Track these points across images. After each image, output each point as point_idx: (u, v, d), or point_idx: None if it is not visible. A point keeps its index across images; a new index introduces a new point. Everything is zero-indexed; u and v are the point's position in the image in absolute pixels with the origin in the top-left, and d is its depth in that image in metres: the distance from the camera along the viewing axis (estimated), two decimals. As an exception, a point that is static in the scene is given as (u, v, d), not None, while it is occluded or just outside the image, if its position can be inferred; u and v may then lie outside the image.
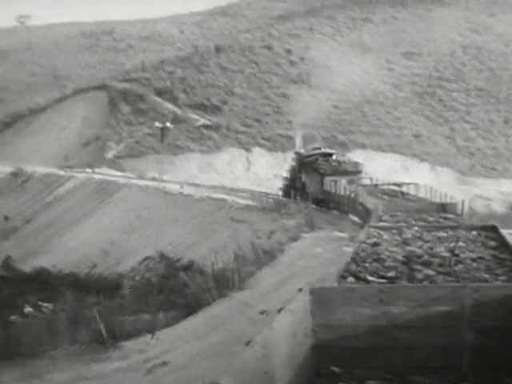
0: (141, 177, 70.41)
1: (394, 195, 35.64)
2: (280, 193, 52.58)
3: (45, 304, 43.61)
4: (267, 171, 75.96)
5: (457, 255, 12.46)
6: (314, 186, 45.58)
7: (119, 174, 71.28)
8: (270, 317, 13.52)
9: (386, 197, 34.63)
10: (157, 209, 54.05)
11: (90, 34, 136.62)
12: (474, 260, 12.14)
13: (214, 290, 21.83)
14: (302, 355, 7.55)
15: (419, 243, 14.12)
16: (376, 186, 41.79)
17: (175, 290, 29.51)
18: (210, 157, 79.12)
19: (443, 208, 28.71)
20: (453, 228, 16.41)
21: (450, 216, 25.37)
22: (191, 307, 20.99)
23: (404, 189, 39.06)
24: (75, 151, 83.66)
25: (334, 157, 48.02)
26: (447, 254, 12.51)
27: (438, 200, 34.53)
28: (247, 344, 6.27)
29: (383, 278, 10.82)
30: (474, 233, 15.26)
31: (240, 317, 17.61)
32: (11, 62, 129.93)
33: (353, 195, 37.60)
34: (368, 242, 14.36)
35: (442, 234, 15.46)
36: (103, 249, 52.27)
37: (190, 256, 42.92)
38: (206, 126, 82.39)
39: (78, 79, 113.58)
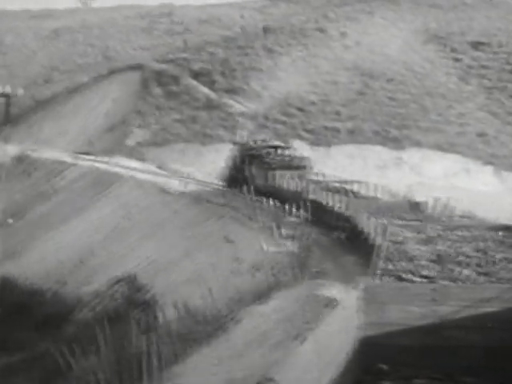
0: (159, 167, 58.46)
1: (345, 193, 32.22)
2: (222, 183, 48.75)
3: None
4: (308, 168, 63.06)
5: (490, 255, 11.51)
6: (260, 180, 42.30)
7: (127, 164, 58.47)
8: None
9: (336, 195, 31.64)
10: (147, 210, 42.09)
11: (147, 15, 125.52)
12: (509, 261, 11.35)
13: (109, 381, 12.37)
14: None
15: (446, 242, 13.13)
16: (324, 182, 38.44)
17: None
18: (243, 149, 65.53)
19: (416, 206, 26.88)
20: (476, 228, 15.22)
21: (424, 214, 23.94)
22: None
23: (355, 187, 36.05)
24: (99, 136, 71.47)
25: (281, 150, 45.57)
26: (481, 255, 11.64)
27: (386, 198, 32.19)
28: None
29: (421, 277, 9.82)
30: (500, 233, 13.97)
31: None
32: (64, 41, 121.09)
33: (300, 190, 35.11)
34: (392, 239, 13.37)
35: (465, 233, 14.09)
36: (80, 258, 40.17)
37: (157, 284, 30.41)
38: (242, 114, 68.91)
39: (128, 60, 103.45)
